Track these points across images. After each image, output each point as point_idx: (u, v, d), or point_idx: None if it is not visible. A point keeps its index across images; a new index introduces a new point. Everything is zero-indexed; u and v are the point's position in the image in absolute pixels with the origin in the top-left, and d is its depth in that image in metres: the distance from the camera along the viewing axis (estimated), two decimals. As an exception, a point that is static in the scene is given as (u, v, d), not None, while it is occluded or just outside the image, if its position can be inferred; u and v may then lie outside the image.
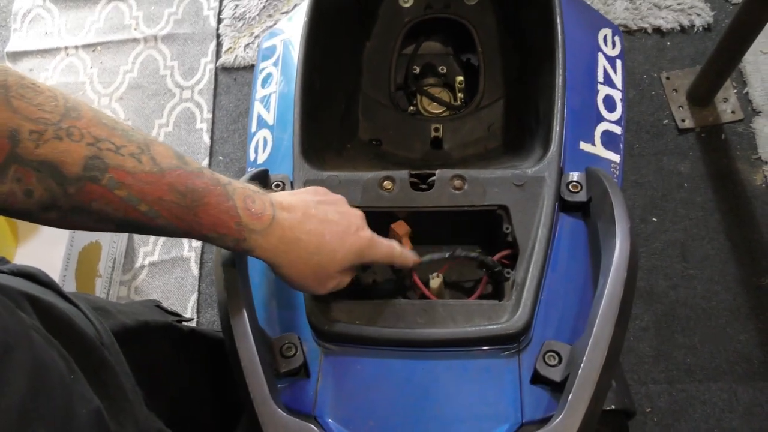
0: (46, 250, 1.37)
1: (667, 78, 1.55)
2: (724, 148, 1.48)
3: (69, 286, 1.38)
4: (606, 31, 0.85)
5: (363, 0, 1.04)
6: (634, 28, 1.61)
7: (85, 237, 1.44)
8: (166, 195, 0.48)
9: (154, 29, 1.84)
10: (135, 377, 0.58)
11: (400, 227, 0.69)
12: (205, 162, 1.65)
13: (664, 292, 1.37)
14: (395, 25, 1.07)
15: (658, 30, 1.61)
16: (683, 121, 1.50)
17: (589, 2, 1.62)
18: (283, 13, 1.78)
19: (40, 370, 0.43)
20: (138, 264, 1.59)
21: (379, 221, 0.71)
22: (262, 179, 0.71)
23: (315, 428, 0.51)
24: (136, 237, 1.61)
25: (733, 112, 1.50)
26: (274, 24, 1.70)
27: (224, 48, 1.78)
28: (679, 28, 1.60)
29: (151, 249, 1.60)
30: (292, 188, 0.70)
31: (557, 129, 0.69)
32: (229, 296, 0.57)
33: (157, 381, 0.66)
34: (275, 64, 0.89)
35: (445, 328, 0.59)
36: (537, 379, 0.56)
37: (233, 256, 0.60)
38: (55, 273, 1.35)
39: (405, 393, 0.57)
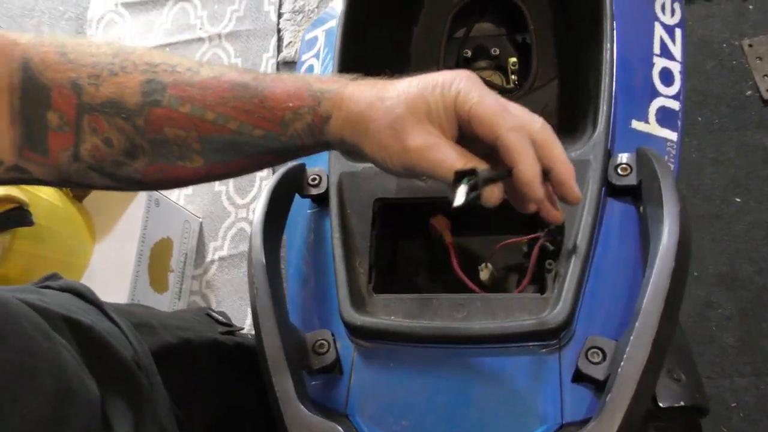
0: (120, 246, 1.43)
1: (750, 45, 1.43)
2: (815, 118, 1.36)
3: (142, 281, 1.44)
4: (664, -1, 0.79)
5: (408, -16, 1.02)
6: (712, -7, 1.49)
7: (157, 233, 1.49)
8: (226, 92, 0.46)
9: (218, 27, 1.87)
10: (176, 395, 0.59)
11: (440, 221, 0.66)
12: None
13: (749, 278, 1.27)
14: (443, 8, 1.04)
15: (738, -7, 1.49)
16: (768, 91, 1.39)
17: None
18: (339, 3, 1.78)
19: (67, 395, 0.44)
20: (208, 259, 1.63)
21: (418, 214, 0.69)
22: (299, 174, 0.70)
23: (340, 428, 0.49)
24: (206, 232, 1.66)
25: (826, 78, 1.36)
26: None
27: (285, 42, 1.79)
28: (762, -10, 1.48)
29: (220, 244, 1.64)
30: (329, 182, 0.69)
31: (604, 108, 0.64)
32: (258, 293, 0.57)
33: (200, 399, 0.66)
34: (316, 55, 0.88)
35: (482, 323, 0.56)
36: (579, 377, 0.53)
37: (265, 252, 0.60)
38: (128, 269, 1.41)
39: (440, 391, 0.55)
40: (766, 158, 1.34)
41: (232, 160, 0.49)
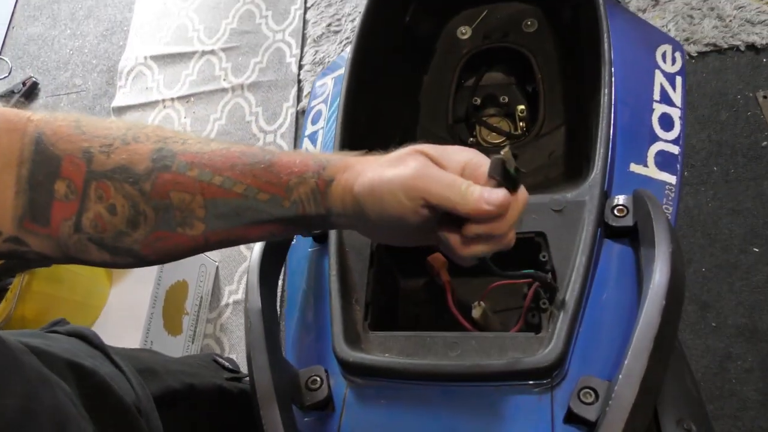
0: (136, 289, 1.45)
1: (764, 97, 1.43)
2: (834, 169, 1.34)
3: (156, 324, 1.45)
4: (665, 48, 0.80)
5: (419, 37, 1.05)
6: (725, 46, 1.51)
7: (173, 276, 1.51)
8: (235, 159, 0.47)
9: (241, 78, 1.94)
10: None
11: (437, 259, 0.67)
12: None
13: (769, 330, 1.24)
14: (453, 58, 1.06)
15: (752, 46, 1.50)
16: (784, 142, 1.38)
17: (674, 23, 1.55)
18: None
19: None
20: (223, 302, 1.64)
21: (416, 253, 0.69)
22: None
23: (326, 464, 0.49)
24: (222, 276, 1.68)
25: (843, 129, 1.36)
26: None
27: (305, 92, 1.84)
28: (776, 42, 1.49)
29: (235, 288, 1.65)
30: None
31: (600, 151, 0.65)
32: (251, 327, 0.57)
33: None
34: (325, 101, 0.90)
35: (474, 361, 0.56)
36: (571, 417, 0.52)
37: (261, 288, 0.61)
38: (143, 311, 1.42)
39: (431, 429, 0.55)
40: (783, 208, 1.33)
41: (232, 228, 0.48)
